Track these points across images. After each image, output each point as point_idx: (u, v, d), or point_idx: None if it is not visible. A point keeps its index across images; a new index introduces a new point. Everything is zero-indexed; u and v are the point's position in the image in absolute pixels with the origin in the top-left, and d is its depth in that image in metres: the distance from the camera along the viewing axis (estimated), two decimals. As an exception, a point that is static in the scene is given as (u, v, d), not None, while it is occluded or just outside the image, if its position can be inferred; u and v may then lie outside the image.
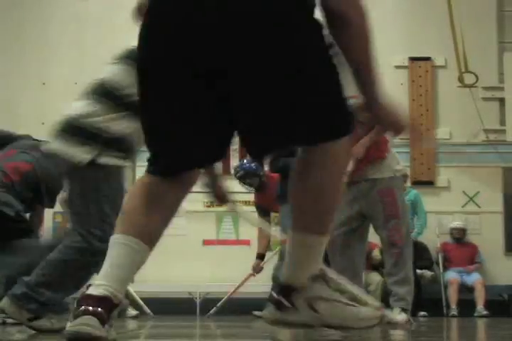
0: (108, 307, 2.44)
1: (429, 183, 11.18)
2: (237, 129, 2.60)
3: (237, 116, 2.52)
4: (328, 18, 2.70)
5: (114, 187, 4.35)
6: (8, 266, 5.10)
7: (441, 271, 10.49)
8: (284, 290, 2.66)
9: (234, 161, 11.31)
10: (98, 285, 2.48)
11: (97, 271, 2.84)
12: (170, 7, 2.47)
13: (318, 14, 2.66)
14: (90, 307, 2.40)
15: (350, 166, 5.29)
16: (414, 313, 9.43)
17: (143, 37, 2.57)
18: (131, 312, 8.42)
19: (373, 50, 2.86)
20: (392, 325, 5.48)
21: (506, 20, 11.60)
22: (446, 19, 10.55)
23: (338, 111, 2.58)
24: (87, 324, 2.37)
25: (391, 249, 5.98)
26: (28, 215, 5.41)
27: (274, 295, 2.68)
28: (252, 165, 7.97)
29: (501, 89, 11.20)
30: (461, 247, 10.71)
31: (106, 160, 4.26)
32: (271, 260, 9.10)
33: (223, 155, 2.70)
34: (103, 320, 2.40)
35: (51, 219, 11.16)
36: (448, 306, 10.11)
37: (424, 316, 9.37)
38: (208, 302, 10.21)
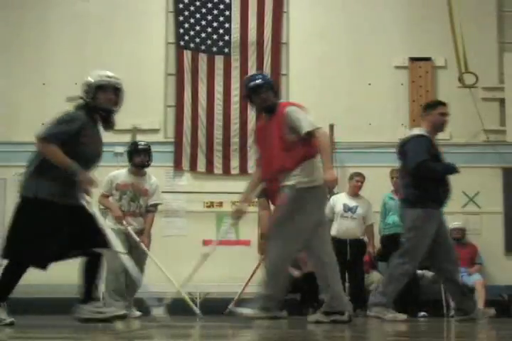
0: None
1: (429, 183, 11.16)
2: None
3: None
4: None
5: None
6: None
7: (441, 271, 10.48)
8: None
9: (234, 162, 11.33)
10: None
11: None
12: None
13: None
14: None
15: None
16: (414, 313, 9.46)
17: None
18: (135, 312, 8.38)
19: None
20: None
21: (506, 20, 11.60)
22: (446, 19, 10.55)
23: None
24: None
25: None
26: None
27: None
28: None
29: (501, 89, 11.20)
30: (461, 247, 10.69)
31: None
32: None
33: None
34: None
35: (51, 219, 11.16)
36: (448, 306, 10.10)
37: (424, 316, 9.37)
38: (208, 303, 10.20)
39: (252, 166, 11.26)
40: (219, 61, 11.47)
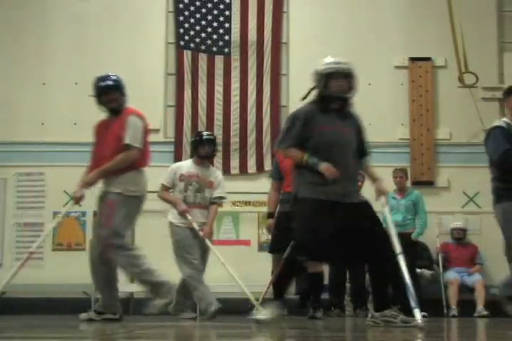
0: None
1: (429, 183, 11.18)
2: None
3: None
4: None
5: None
6: None
7: (441, 271, 10.49)
8: None
9: (234, 162, 11.32)
10: None
11: None
12: None
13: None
14: None
15: None
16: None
17: None
18: (187, 314, 8.16)
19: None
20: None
21: (506, 20, 11.60)
22: (446, 19, 10.55)
23: None
24: None
25: None
26: None
27: None
28: None
29: (501, 89, 11.15)
30: (462, 247, 10.71)
31: None
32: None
33: None
34: None
35: (51, 219, 11.16)
36: (448, 306, 10.11)
37: (424, 316, 9.35)
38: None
39: (252, 166, 11.27)
40: (219, 61, 11.47)
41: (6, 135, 11.22)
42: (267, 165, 11.15)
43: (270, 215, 8.11)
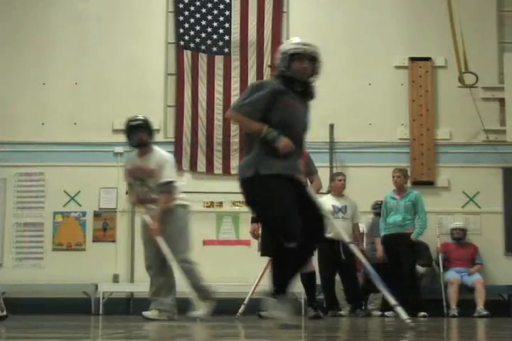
0: None
1: (429, 183, 11.18)
2: None
3: None
4: None
5: None
6: None
7: (442, 270, 10.49)
8: None
9: (234, 162, 11.32)
10: None
11: None
12: None
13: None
14: None
15: None
16: (414, 313, 9.46)
17: None
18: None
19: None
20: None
21: (506, 20, 11.60)
22: (446, 19, 10.55)
23: None
24: None
25: None
26: None
27: None
28: None
29: (501, 89, 11.19)
30: (462, 247, 10.71)
31: None
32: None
33: None
34: None
35: (51, 219, 11.16)
36: (448, 306, 10.11)
37: (424, 316, 9.37)
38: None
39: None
40: (219, 61, 11.47)
41: (6, 135, 11.22)
42: (267, 165, 11.14)
43: (253, 220, 8.12)
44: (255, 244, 11.13)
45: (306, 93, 5.38)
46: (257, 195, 5.07)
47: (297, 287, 9.80)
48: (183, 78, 11.39)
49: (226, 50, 11.49)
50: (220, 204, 11.20)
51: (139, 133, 7.39)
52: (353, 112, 11.31)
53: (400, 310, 5.18)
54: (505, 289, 10.76)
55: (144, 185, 7.31)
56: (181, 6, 11.56)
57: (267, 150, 5.09)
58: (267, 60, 11.48)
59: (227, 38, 11.50)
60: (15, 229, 11.16)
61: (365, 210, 10.69)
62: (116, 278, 10.90)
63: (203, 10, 11.57)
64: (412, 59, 11.43)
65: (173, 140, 11.31)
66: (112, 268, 10.92)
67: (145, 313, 7.18)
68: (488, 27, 11.47)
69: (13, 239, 11.12)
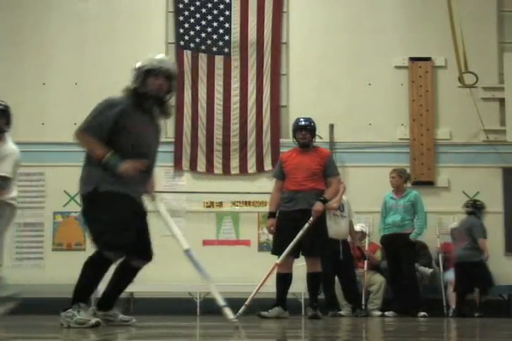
0: None
1: (429, 183, 11.18)
2: None
3: None
4: None
5: None
6: None
7: (442, 271, 10.49)
8: None
9: (234, 162, 11.32)
10: None
11: None
12: None
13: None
14: None
15: None
16: (414, 313, 9.46)
17: None
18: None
19: None
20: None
21: (506, 20, 11.61)
22: (446, 19, 10.55)
23: None
24: None
25: None
26: None
27: None
28: None
29: (501, 89, 11.19)
30: (462, 247, 10.70)
31: None
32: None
33: None
34: None
35: (51, 219, 11.16)
36: (448, 306, 10.10)
37: (424, 316, 9.37)
38: (208, 303, 10.20)
39: (252, 166, 11.26)
40: (219, 61, 11.47)
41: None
42: (267, 165, 11.16)
43: (271, 215, 8.07)
44: (255, 243, 11.16)
45: (161, 111, 5.31)
46: (93, 210, 5.12)
47: (297, 287, 9.85)
48: (183, 78, 11.39)
49: (226, 50, 11.48)
50: (220, 204, 11.19)
51: None
52: (353, 112, 11.30)
53: (227, 310, 5.19)
54: (505, 289, 10.76)
55: None
56: (181, 6, 11.56)
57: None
58: (267, 60, 11.48)
59: (227, 38, 11.50)
60: (15, 229, 11.15)
61: (365, 210, 10.70)
62: (116, 278, 10.90)
63: (203, 10, 11.56)
64: (412, 59, 11.43)
65: (173, 140, 11.31)
66: (112, 268, 10.90)
67: None
68: (488, 27, 11.47)
69: (13, 239, 11.12)
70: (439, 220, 10.99)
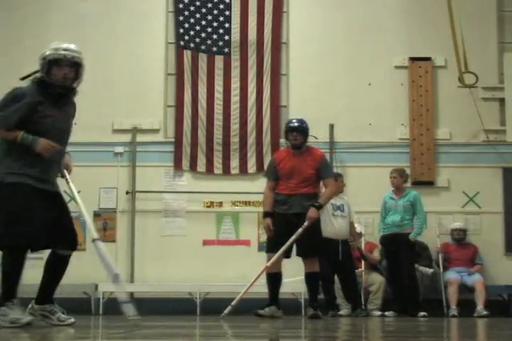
0: None
1: (429, 183, 11.18)
2: None
3: None
4: None
5: None
6: None
7: (442, 271, 10.49)
8: None
9: (234, 162, 11.32)
10: None
11: None
12: None
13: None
14: None
15: None
16: (414, 313, 9.46)
17: None
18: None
19: None
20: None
21: (506, 20, 11.60)
22: (446, 19, 10.55)
23: None
24: None
25: None
26: None
27: None
28: None
29: (501, 89, 11.19)
30: (462, 248, 10.70)
31: None
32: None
33: None
34: None
35: (51, 219, 11.16)
36: (448, 306, 10.10)
37: (424, 316, 9.37)
38: (208, 303, 10.21)
39: (252, 166, 11.26)
40: (219, 61, 11.46)
41: (6, 135, 11.20)
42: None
43: (267, 214, 8.05)
44: (255, 243, 11.15)
45: (67, 99, 5.35)
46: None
47: (297, 287, 9.85)
48: (183, 78, 11.39)
49: (226, 50, 11.48)
50: (220, 204, 11.19)
51: None
52: (353, 112, 11.30)
53: (127, 307, 5.10)
54: (505, 289, 10.75)
55: None
56: (181, 6, 11.55)
57: (16, 158, 5.18)
58: (267, 59, 11.48)
59: (227, 37, 11.50)
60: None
61: (365, 210, 10.70)
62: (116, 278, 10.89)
63: (203, 10, 11.56)
64: (412, 59, 11.42)
65: (173, 140, 11.31)
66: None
67: None
68: (488, 27, 11.46)
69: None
70: (439, 220, 10.99)
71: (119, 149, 11.03)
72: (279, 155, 8.27)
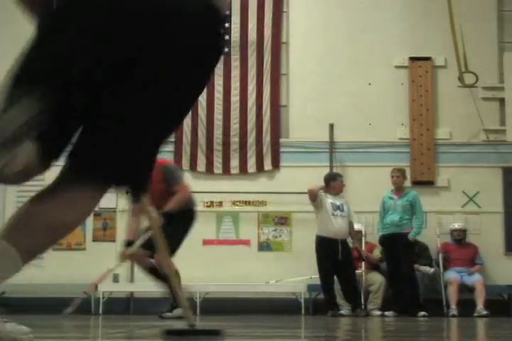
0: None
1: (429, 183, 11.18)
2: None
3: None
4: None
5: None
6: None
7: (442, 270, 10.49)
8: None
9: (234, 162, 11.33)
10: None
11: None
12: None
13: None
14: None
15: None
16: (414, 313, 9.46)
17: None
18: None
19: None
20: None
21: (506, 20, 11.60)
22: (446, 19, 10.55)
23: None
24: None
25: None
26: None
27: None
28: None
29: (501, 89, 11.19)
30: (462, 248, 10.70)
31: None
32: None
33: None
34: None
35: (51, 219, 11.16)
36: (448, 306, 10.10)
37: (424, 316, 9.37)
38: (208, 302, 10.20)
39: (252, 166, 11.27)
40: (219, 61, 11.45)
41: (6, 135, 11.21)
42: (267, 165, 11.17)
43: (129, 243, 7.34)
44: (255, 243, 11.15)
45: None
46: None
47: (297, 287, 9.86)
48: (183, 78, 11.38)
49: (226, 49, 11.48)
50: (220, 203, 11.19)
51: None
52: (353, 112, 11.30)
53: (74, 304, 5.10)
54: (505, 289, 10.75)
55: None
56: (181, 5, 11.55)
57: None
58: (267, 59, 11.48)
59: (227, 37, 11.50)
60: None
61: (365, 210, 10.70)
62: (116, 278, 10.90)
63: (203, 10, 11.56)
64: (412, 59, 11.43)
65: (173, 140, 11.31)
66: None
67: None
68: (488, 27, 11.46)
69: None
70: (438, 220, 10.99)
71: (119, 149, 11.03)
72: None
